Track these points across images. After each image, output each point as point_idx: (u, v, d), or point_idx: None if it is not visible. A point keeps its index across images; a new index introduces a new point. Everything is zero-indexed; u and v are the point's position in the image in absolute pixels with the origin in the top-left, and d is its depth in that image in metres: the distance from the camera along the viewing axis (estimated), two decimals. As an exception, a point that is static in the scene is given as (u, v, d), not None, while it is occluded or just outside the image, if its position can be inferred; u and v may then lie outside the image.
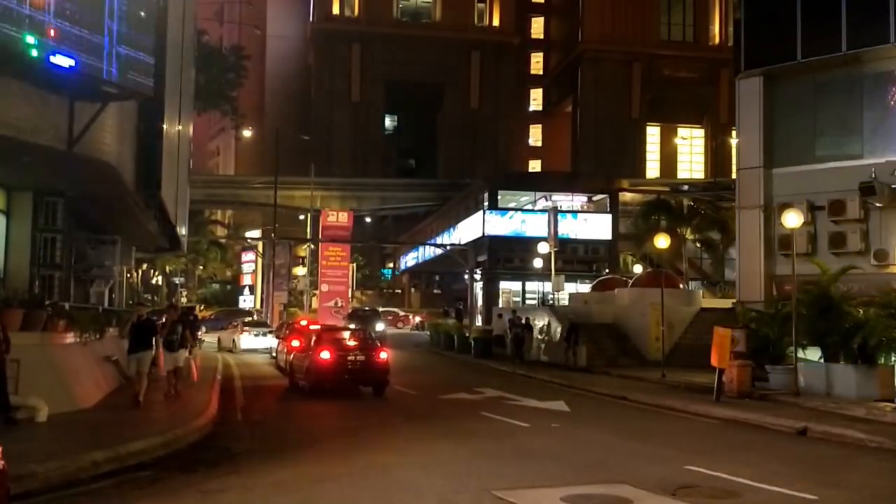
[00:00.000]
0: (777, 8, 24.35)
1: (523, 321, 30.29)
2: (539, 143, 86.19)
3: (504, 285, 49.78)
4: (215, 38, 61.17)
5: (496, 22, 77.86)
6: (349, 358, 18.37)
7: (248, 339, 36.73)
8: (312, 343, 19.43)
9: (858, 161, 22.24)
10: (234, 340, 36.46)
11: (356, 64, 74.64)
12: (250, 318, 46.13)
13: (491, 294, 48.81)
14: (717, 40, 75.99)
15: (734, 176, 27.67)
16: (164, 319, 16.98)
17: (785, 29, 23.65)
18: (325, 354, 18.30)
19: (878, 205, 21.60)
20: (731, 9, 63.34)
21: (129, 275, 31.19)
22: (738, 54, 25.47)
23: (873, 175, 21.31)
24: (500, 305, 44.97)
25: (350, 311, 46.97)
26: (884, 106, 22.57)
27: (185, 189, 26.06)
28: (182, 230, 26.65)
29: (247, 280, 73.11)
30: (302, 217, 61.49)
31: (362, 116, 74.75)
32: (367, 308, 50.44)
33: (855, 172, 21.77)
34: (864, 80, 22.97)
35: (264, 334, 37.53)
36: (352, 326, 30.77)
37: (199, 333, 26.36)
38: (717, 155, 70.78)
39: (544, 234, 39.02)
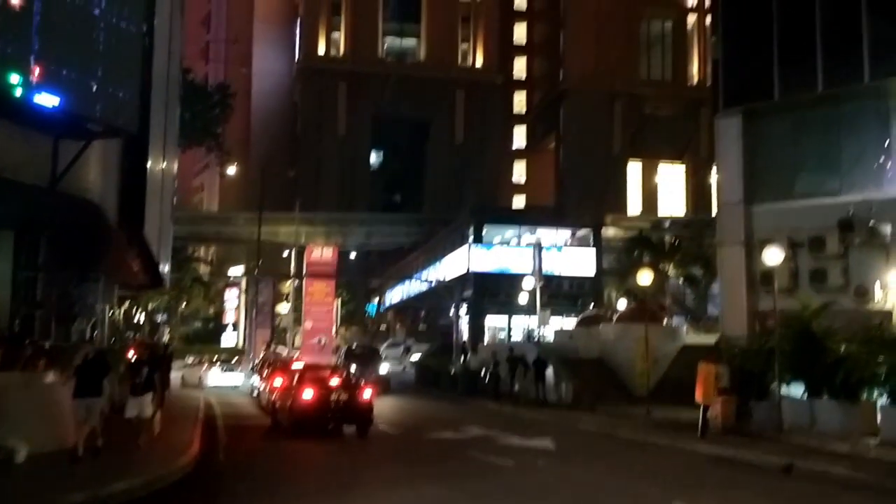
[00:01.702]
0: (754, 48, 24.80)
1: (516, 357, 29.50)
2: (523, 179, 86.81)
3: (490, 320, 49.73)
4: (201, 75, 61.43)
5: (480, 61, 78.83)
6: (332, 397, 18.18)
7: (216, 376, 36.89)
8: (295, 382, 19.26)
9: (837, 198, 22.52)
10: (200, 377, 36.34)
11: (342, 101, 75.13)
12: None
13: (477, 329, 48.74)
14: (696, 79, 77.20)
15: (715, 212, 27.92)
16: (130, 355, 16.57)
17: (762, 68, 24.06)
18: (308, 394, 18.12)
19: (857, 241, 21.84)
20: (709, 49, 64.52)
21: (111, 312, 30.93)
22: (717, 93, 25.86)
23: (851, 212, 21.59)
24: (486, 341, 44.88)
25: (345, 349, 40.04)
26: (860, 144, 22.93)
27: (168, 226, 26.00)
28: (165, 267, 26.53)
29: (230, 317, 72.62)
30: (286, 253, 61.36)
31: (348, 152, 75.08)
32: (359, 346, 43.36)
33: (834, 209, 22.04)
34: (841, 118, 23.35)
35: (231, 370, 37.74)
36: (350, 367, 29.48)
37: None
38: (698, 191, 71.45)
39: (529, 269, 39.14)
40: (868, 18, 21.84)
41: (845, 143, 23.23)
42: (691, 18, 78.15)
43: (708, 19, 67.18)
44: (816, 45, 22.79)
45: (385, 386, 31.49)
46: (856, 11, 22.00)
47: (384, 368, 35.66)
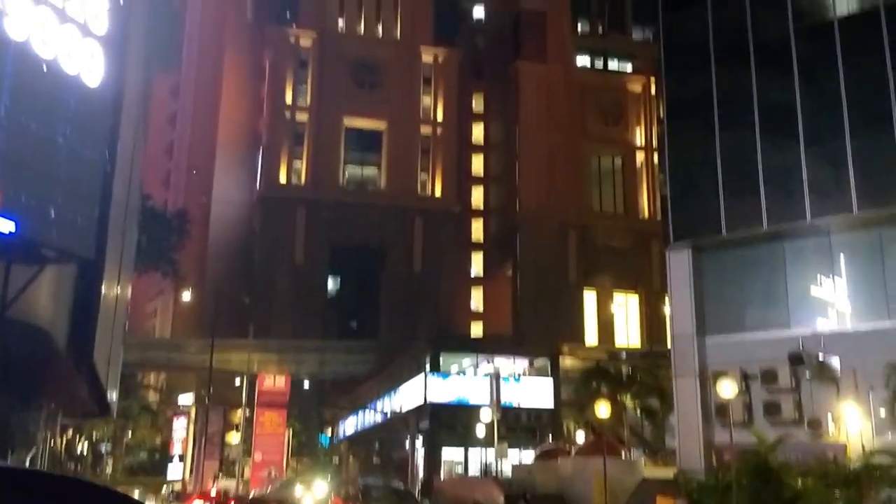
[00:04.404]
0: (700, 186, 25.90)
1: (516, 494, 27.78)
2: (480, 306, 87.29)
3: (447, 453, 48.52)
4: (161, 202, 61.79)
5: (438, 191, 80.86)
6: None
7: None
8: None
9: (786, 331, 23.04)
10: None
11: (301, 228, 75.80)
12: None
13: (433, 463, 47.43)
14: (646, 213, 79.97)
15: (670, 343, 28.27)
16: None
17: (709, 205, 25.04)
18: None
19: (807, 374, 22.17)
20: (657, 184, 67.26)
21: (52, 442, 29.57)
22: (667, 228, 26.72)
23: (801, 345, 22.04)
24: (442, 475, 43.67)
25: (350, 489, 29.30)
26: (805, 279, 23.71)
27: (118, 352, 25.29)
28: (113, 395, 25.58)
29: (177, 448, 69.85)
30: (238, 381, 59.94)
31: (305, 279, 75.04)
32: (377, 484, 33.00)
33: (784, 342, 22.49)
34: (786, 253, 24.23)
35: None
36: None
37: None
38: (652, 321, 72.51)
39: (487, 399, 38.70)
40: (807, 160, 23.10)
41: (790, 278, 24.01)
42: (640, 155, 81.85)
43: (655, 157, 70.47)
44: (760, 184, 23.90)
45: None
46: (795, 153, 23.29)
47: None
